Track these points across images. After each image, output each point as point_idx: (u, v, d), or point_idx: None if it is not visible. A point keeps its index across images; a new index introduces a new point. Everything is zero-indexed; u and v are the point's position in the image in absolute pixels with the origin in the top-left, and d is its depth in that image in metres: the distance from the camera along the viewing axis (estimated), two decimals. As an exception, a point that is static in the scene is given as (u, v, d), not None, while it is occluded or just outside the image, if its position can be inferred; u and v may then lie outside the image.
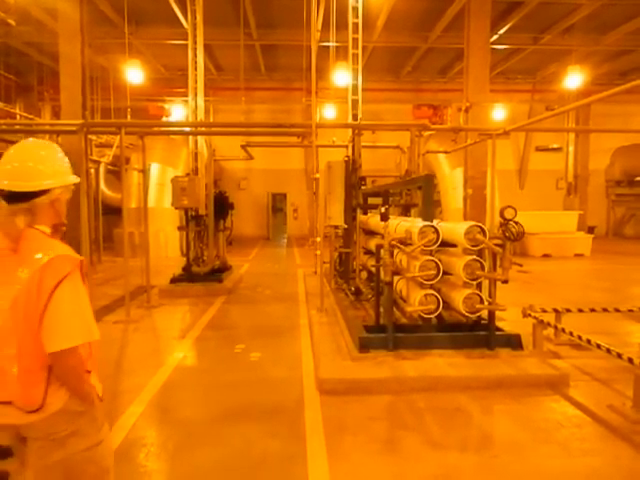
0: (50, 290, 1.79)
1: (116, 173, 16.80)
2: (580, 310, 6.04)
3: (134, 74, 14.99)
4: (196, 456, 3.51)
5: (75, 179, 2.07)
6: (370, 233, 7.96)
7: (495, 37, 15.37)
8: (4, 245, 1.86)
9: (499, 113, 19.69)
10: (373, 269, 6.44)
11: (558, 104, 17.71)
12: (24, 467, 1.96)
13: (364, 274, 8.43)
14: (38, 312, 1.79)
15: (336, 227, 8.95)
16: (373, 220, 7.59)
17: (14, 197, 1.87)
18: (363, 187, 8.57)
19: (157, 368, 5.36)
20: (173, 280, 9.90)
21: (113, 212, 14.74)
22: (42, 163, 1.95)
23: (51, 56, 16.22)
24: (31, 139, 2.08)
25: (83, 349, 1.90)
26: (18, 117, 15.48)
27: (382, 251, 5.41)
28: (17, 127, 11.90)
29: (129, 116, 14.65)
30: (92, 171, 13.45)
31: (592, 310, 6.10)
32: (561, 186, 22.24)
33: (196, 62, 10.29)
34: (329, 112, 19.62)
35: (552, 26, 15.67)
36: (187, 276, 10.01)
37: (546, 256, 15.52)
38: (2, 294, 1.81)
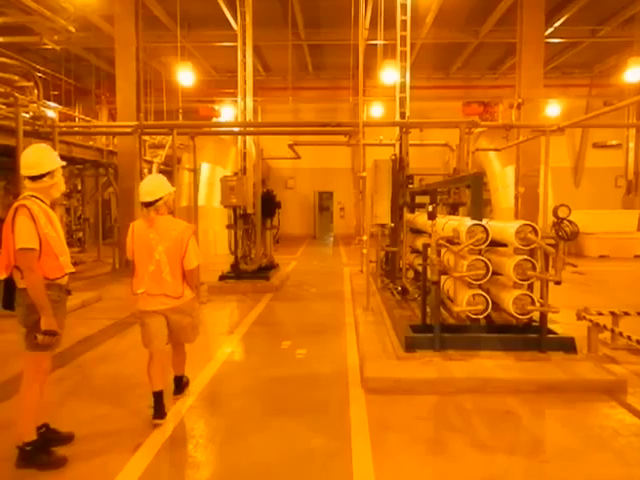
0: (187, 240, 3.98)
1: (168, 173, 17.29)
2: (639, 313, 5.76)
3: (186, 76, 15.40)
4: (242, 449, 3.59)
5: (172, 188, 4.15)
6: (417, 232, 7.88)
7: (550, 30, 14.86)
8: (147, 225, 3.99)
9: (553, 109, 19.03)
10: (420, 268, 6.37)
11: (617, 99, 16.93)
12: (167, 328, 4.07)
13: (410, 273, 8.35)
14: (182, 251, 3.95)
15: (383, 226, 8.90)
16: (420, 219, 7.50)
17: (149, 203, 3.98)
18: (410, 186, 8.48)
19: (206, 362, 5.50)
20: (222, 277, 10.12)
21: (165, 211, 15.19)
22: (163, 183, 4.10)
23: (108, 60, 16.93)
24: (155, 174, 4.46)
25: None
26: (77, 119, 16.19)
27: (429, 250, 5.35)
28: (76, 129, 12.47)
29: (181, 117, 15.07)
30: (145, 171, 13.91)
31: (652, 314, 5.81)
32: (620, 184, 21.22)
33: (245, 63, 10.47)
34: (376, 110, 19.51)
35: (611, 17, 15.01)
36: (235, 273, 10.21)
37: (603, 257, 14.88)
38: (163, 243, 3.94)
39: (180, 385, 4.51)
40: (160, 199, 3.98)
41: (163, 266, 3.91)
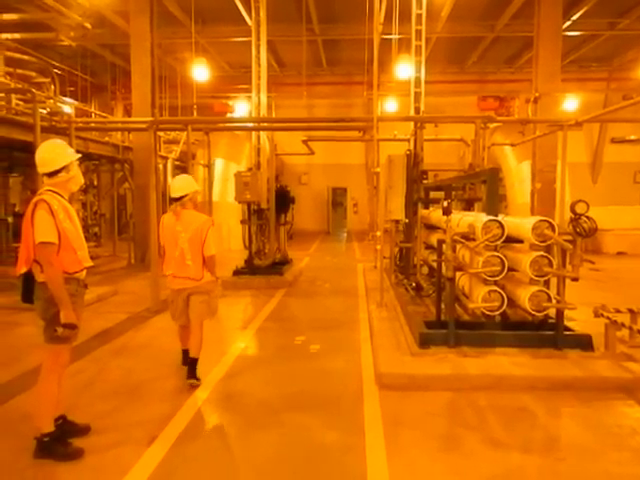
0: (207, 231, 4.58)
1: (183, 168, 17.41)
2: (658, 311, 5.66)
3: (200, 72, 15.45)
4: (257, 442, 3.60)
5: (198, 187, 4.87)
6: (431, 228, 7.83)
7: (568, 23, 14.62)
8: (174, 217, 4.67)
9: (571, 103, 18.76)
10: (434, 264, 6.33)
11: (636, 93, 16.63)
12: (187, 306, 4.75)
13: (425, 269, 8.31)
14: (202, 240, 4.56)
15: (397, 221, 8.85)
16: (435, 214, 7.45)
17: (176, 199, 4.64)
18: (425, 181, 8.42)
19: (220, 356, 5.54)
20: (236, 272, 10.16)
21: (180, 206, 15.29)
22: (189, 182, 4.78)
23: (123, 57, 17.03)
24: (183, 174, 5.54)
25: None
26: (93, 115, 16.33)
27: (444, 246, 5.31)
28: (92, 125, 12.58)
29: (195, 113, 15.13)
30: (160, 166, 14.01)
31: (672, 311, 5.70)
32: (639, 180, 20.91)
33: (259, 58, 10.47)
34: (391, 106, 19.40)
35: (630, 10, 14.71)
36: (249, 269, 10.24)
37: (621, 254, 14.67)
38: (186, 233, 4.58)
39: (193, 369, 4.64)
40: (186, 195, 4.66)
41: (186, 253, 4.60)
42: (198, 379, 4.65)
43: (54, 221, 3.23)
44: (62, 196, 3.42)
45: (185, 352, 4.87)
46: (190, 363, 4.67)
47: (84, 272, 3.50)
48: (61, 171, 3.41)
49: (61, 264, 3.28)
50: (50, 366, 3.39)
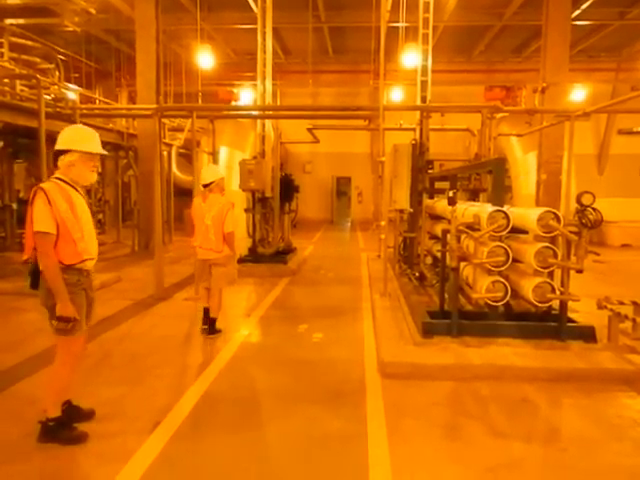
0: (226, 212, 5.61)
1: (187, 156, 17.38)
2: (662, 304, 5.64)
3: (205, 59, 15.35)
4: (259, 431, 3.62)
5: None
6: (436, 218, 7.80)
7: (577, 12, 14.42)
8: (202, 199, 5.81)
9: (578, 94, 18.56)
10: (438, 254, 6.32)
11: (645, 83, 16.46)
12: (210, 275, 5.75)
13: (429, 259, 8.30)
14: (222, 219, 5.60)
15: (401, 211, 8.83)
16: (440, 204, 7.42)
17: (205, 185, 5.79)
18: (430, 171, 8.38)
19: (224, 344, 5.56)
20: (239, 260, 10.13)
21: (184, 194, 15.30)
22: (216, 171, 6.02)
23: (128, 43, 16.93)
24: (211, 164, 7.36)
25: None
26: (97, 102, 16.28)
27: (449, 236, 5.30)
28: (97, 111, 12.55)
29: (200, 100, 15.06)
30: (165, 154, 13.98)
31: (676, 304, 5.68)
32: (646, 172, 20.74)
33: (265, 46, 10.39)
34: (397, 95, 19.24)
35: (641, -1, 14.51)
36: (253, 257, 10.26)
37: (626, 246, 14.61)
38: (210, 213, 5.64)
39: (213, 326, 5.84)
40: (212, 182, 5.77)
41: (210, 228, 5.66)
42: (219, 330, 5.85)
43: (50, 210, 3.14)
44: (70, 184, 3.32)
45: (206, 310, 5.88)
46: (210, 322, 5.82)
47: (87, 262, 3.37)
48: (63, 154, 3.30)
49: (58, 255, 3.20)
50: (63, 356, 3.37)
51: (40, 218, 3.15)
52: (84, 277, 3.40)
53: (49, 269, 3.17)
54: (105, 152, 3.45)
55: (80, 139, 3.35)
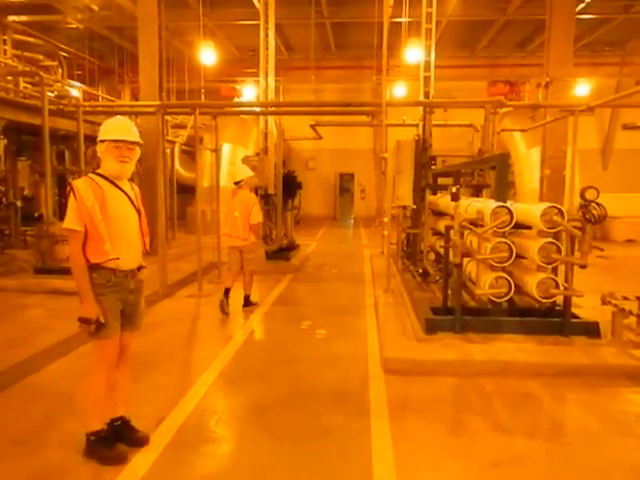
0: (252, 206, 6.69)
1: (190, 153, 17.40)
2: (666, 299, 5.62)
3: (208, 56, 15.32)
4: (262, 426, 3.63)
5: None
6: (439, 214, 7.79)
7: (581, 6, 14.32)
8: (232, 195, 6.84)
9: (582, 89, 18.46)
10: (441, 250, 6.31)
11: (650, 78, 16.36)
12: (241, 260, 6.81)
13: (432, 255, 8.29)
14: (249, 212, 6.63)
15: (404, 207, 8.82)
16: (443, 201, 7.41)
17: (236, 183, 6.86)
18: (433, 167, 8.36)
19: (227, 341, 5.58)
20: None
21: (186, 191, 15.33)
22: (244, 170, 7.09)
23: (130, 40, 16.91)
24: (240, 164, 8.40)
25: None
26: (100, 99, 16.30)
27: (452, 232, 5.29)
28: (99, 109, 12.54)
29: (202, 97, 15.05)
30: (167, 151, 13.99)
31: (680, 299, 5.66)
32: (650, 167, 20.67)
33: (267, 42, 10.37)
34: (400, 90, 19.20)
35: (646, -8, 14.41)
36: (256, 253, 10.25)
37: (630, 241, 14.56)
38: (238, 207, 6.68)
39: (248, 301, 6.96)
40: (242, 180, 6.75)
41: (238, 220, 6.60)
42: (255, 303, 7.04)
43: (78, 207, 3.00)
44: (108, 179, 3.14)
45: (227, 290, 6.72)
46: (245, 298, 6.95)
47: (117, 262, 3.09)
48: (101, 142, 3.15)
49: (86, 252, 3.04)
50: (95, 362, 3.17)
51: (68, 215, 3.04)
52: (119, 278, 3.14)
53: (73, 267, 3.04)
54: (132, 138, 3.14)
55: (107, 128, 3.16)
